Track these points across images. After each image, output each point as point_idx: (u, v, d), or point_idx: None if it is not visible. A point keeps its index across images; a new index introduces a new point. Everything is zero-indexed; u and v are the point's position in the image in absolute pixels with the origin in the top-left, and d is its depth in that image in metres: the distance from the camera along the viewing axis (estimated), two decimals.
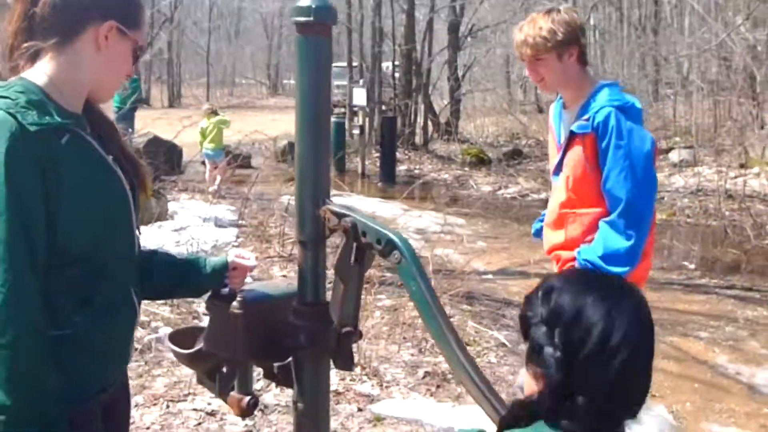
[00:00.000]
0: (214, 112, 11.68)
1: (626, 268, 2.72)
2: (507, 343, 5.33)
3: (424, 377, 4.58)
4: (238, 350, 1.81)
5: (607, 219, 2.75)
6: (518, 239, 9.24)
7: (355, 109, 15.82)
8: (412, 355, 4.93)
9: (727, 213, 10.31)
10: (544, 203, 11.42)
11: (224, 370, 1.96)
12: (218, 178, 11.17)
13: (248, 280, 2.02)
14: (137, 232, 1.78)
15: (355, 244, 1.68)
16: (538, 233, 3.23)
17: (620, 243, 2.71)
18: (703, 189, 12.12)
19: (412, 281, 1.58)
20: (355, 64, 18.77)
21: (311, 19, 1.62)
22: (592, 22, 22.64)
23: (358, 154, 15.28)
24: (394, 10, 18.67)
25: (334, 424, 3.96)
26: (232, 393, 1.94)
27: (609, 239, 2.73)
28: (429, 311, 1.55)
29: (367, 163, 14.68)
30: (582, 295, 1.28)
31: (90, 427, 1.72)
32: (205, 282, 1.88)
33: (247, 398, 1.96)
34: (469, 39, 21.11)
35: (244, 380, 1.97)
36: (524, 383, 1.35)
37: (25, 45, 1.61)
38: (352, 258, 1.70)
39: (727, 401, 4.67)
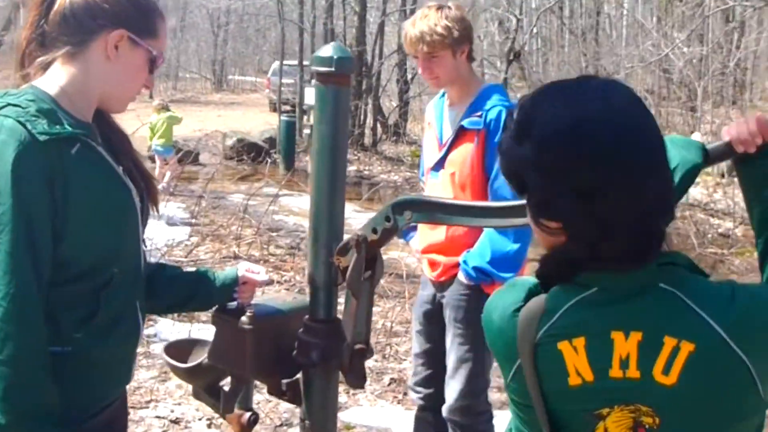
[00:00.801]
0: (165, 108, 11.44)
1: (513, 273, 2.72)
2: None
3: (389, 384, 4.58)
4: (246, 366, 1.77)
5: None
6: None
7: (306, 108, 15.72)
8: (376, 361, 4.91)
9: None
10: None
11: (226, 386, 1.92)
12: (168, 174, 10.94)
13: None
14: (144, 246, 1.73)
15: (364, 256, 1.65)
16: (405, 234, 3.05)
17: (507, 246, 2.70)
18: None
19: (435, 214, 1.59)
20: (306, 63, 18.66)
21: (332, 69, 1.62)
22: (535, 30, 23.02)
23: (308, 154, 15.18)
24: (346, 12, 18.63)
25: None
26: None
27: (496, 243, 2.71)
28: (462, 214, 1.56)
29: None
30: (555, 106, 1.13)
31: None
32: (215, 296, 1.84)
33: (248, 414, 1.93)
34: None
35: (245, 396, 1.94)
36: (539, 241, 1.22)
37: (39, 59, 1.57)
38: (363, 271, 1.67)
39: None
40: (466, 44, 2.82)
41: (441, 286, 2.91)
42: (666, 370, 1.10)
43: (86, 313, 1.56)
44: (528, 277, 1.29)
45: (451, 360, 2.87)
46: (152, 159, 11.33)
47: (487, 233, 2.70)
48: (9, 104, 1.49)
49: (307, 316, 1.75)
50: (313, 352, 1.71)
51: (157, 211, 1.78)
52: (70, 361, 1.56)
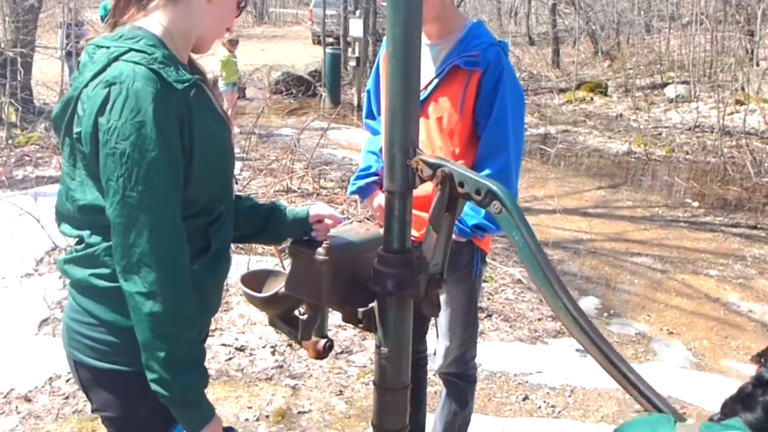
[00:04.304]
0: (234, 43, 11.21)
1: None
2: (522, 279, 5.39)
3: None
4: (323, 296, 1.82)
5: (490, 174, 2.45)
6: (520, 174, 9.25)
7: (350, 40, 15.56)
8: None
9: (725, 150, 10.36)
10: (542, 138, 11.21)
11: (302, 314, 1.98)
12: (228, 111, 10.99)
13: None
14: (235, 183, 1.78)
15: (448, 194, 1.67)
16: (363, 191, 2.77)
17: None
18: (700, 125, 12.14)
19: (514, 230, 1.57)
20: None
21: None
22: None
23: (353, 86, 15.10)
24: None
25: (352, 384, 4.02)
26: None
27: None
28: (533, 260, 1.55)
29: (362, 95, 14.52)
30: None
31: None
32: (285, 231, 1.89)
33: (323, 341, 2.00)
34: None
35: (321, 324, 1.99)
36: None
37: (140, 2, 1.60)
38: (445, 207, 1.69)
39: (742, 338, 4.77)
40: None
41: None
42: None
43: (200, 248, 1.63)
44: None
45: (443, 318, 2.78)
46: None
47: None
48: (131, 49, 1.51)
49: (381, 247, 1.78)
50: (388, 281, 1.74)
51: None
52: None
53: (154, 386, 1.52)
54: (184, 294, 1.52)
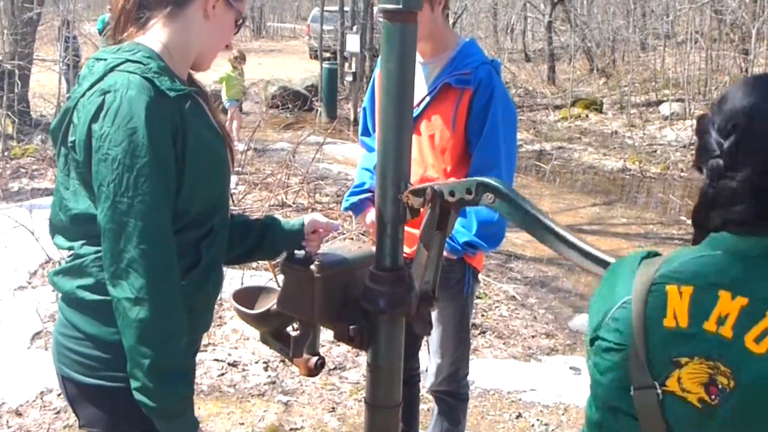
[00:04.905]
0: (240, 59, 11.25)
1: (498, 244, 2.62)
2: (516, 296, 5.39)
3: None
4: (315, 314, 1.82)
5: None
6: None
7: (347, 55, 15.61)
8: None
9: None
10: (538, 154, 11.20)
11: (294, 331, 1.98)
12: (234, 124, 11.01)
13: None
14: (231, 198, 1.79)
15: (438, 211, 1.68)
16: (357, 207, 2.79)
17: (491, 216, 2.52)
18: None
19: (515, 211, 1.56)
20: (346, 8, 18.46)
21: (399, 6, 1.61)
22: None
23: (349, 101, 15.13)
24: None
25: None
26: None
27: (481, 213, 2.53)
28: (543, 231, 1.54)
29: (359, 110, 14.56)
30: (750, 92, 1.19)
31: None
32: (281, 244, 1.89)
33: (315, 358, 2.00)
34: None
35: (312, 341, 1.99)
36: None
37: (141, 15, 1.62)
38: (436, 225, 1.70)
39: None
40: None
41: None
42: (759, 339, 1.11)
43: (190, 263, 1.63)
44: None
45: (435, 336, 2.78)
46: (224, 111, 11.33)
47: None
48: (128, 60, 1.54)
49: (373, 265, 1.78)
50: (380, 299, 1.75)
51: (233, 165, 1.83)
52: None
53: (137, 395, 1.51)
54: (173, 301, 1.52)
